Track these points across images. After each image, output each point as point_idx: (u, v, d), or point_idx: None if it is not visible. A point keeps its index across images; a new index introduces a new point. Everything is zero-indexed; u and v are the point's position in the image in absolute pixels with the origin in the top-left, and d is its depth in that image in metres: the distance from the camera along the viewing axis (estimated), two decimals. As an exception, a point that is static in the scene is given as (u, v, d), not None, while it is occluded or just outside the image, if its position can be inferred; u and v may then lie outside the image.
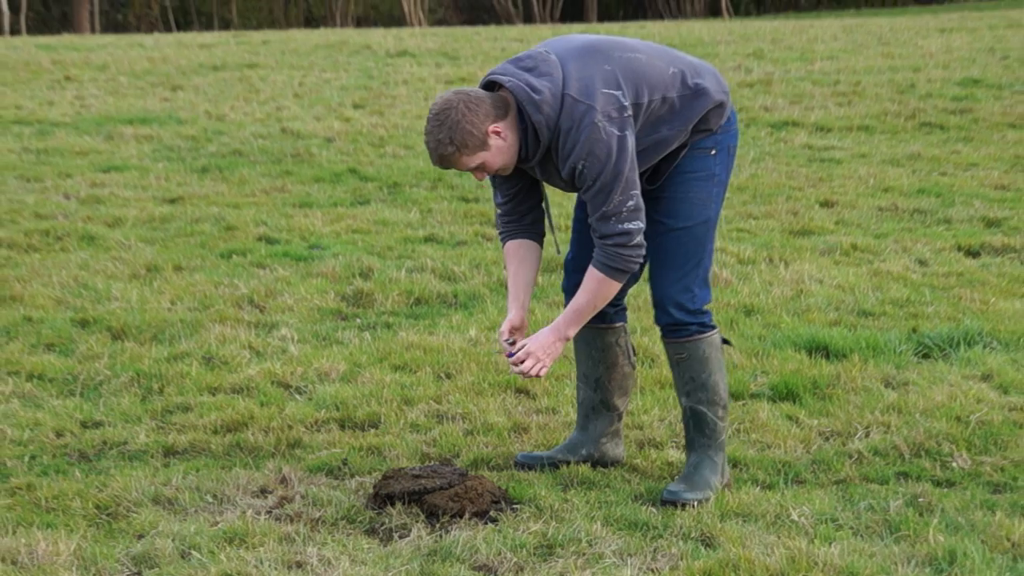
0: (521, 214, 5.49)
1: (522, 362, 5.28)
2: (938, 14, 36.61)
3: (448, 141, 5.04)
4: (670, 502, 5.35)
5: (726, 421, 5.58)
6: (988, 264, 9.09)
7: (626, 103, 5.07)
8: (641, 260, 5.22)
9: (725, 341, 5.64)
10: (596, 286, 5.23)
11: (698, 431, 5.54)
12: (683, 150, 5.34)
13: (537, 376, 5.30)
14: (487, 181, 5.50)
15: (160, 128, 14.92)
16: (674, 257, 5.39)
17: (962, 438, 5.99)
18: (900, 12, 42.70)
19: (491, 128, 5.07)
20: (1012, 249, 9.44)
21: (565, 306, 5.48)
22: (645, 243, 5.18)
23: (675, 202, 5.37)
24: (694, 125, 5.28)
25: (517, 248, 5.50)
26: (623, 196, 5.07)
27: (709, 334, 5.49)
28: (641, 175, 5.25)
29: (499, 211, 5.52)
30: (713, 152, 5.38)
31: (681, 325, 5.45)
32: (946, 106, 15.96)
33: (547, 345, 5.29)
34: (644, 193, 5.26)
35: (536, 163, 5.23)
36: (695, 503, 5.31)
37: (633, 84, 5.12)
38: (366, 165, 12.86)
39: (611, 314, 5.62)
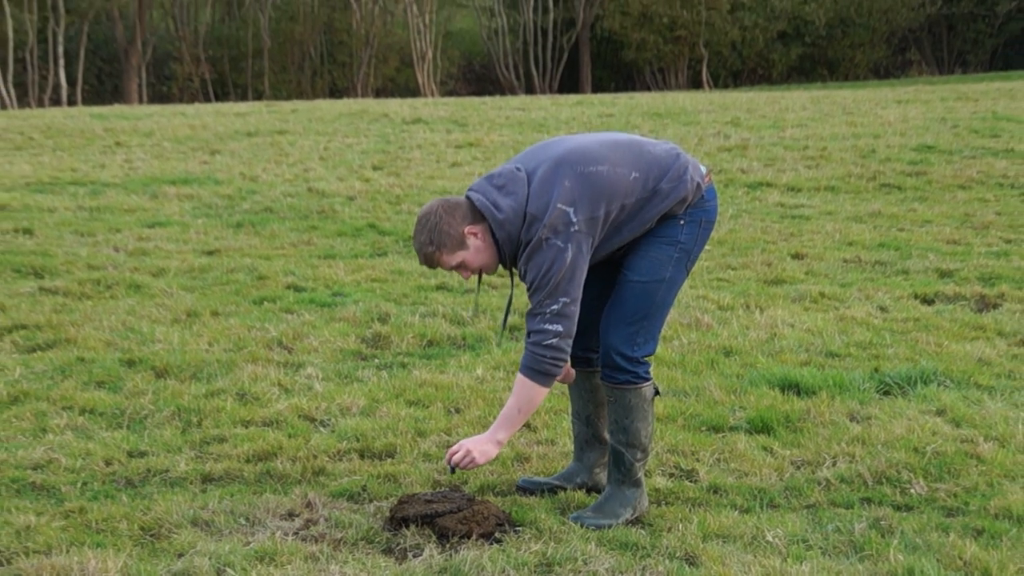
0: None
1: (455, 453, 5.34)
2: (895, 87, 36.70)
3: (428, 241, 5.21)
4: (577, 521, 5.41)
5: (643, 463, 5.56)
6: (942, 311, 9.09)
7: (575, 219, 5.14)
8: (559, 366, 5.22)
9: (657, 392, 5.61)
10: (520, 389, 5.28)
11: (615, 467, 5.56)
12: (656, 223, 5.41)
13: (465, 468, 5.34)
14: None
15: (200, 188, 14.96)
16: (625, 306, 5.41)
17: (919, 467, 5.99)
18: (862, 85, 42.84)
19: (467, 229, 5.23)
20: (963, 297, 9.45)
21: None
22: (564, 350, 5.19)
23: (637, 258, 5.41)
24: (663, 213, 5.35)
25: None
26: (550, 300, 5.14)
27: (640, 385, 5.47)
28: (614, 250, 5.38)
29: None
30: (681, 223, 5.41)
31: (617, 370, 5.45)
32: (903, 169, 16.00)
33: (480, 444, 5.34)
34: (618, 248, 5.37)
35: (508, 265, 5.40)
36: (596, 527, 5.35)
37: (589, 200, 5.18)
38: (384, 221, 12.88)
39: (595, 359, 5.63)
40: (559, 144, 5.39)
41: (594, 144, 5.35)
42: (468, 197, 5.30)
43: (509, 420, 5.32)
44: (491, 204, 5.21)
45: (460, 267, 5.31)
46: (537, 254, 5.14)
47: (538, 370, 5.19)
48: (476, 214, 5.24)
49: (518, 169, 5.31)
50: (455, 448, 5.33)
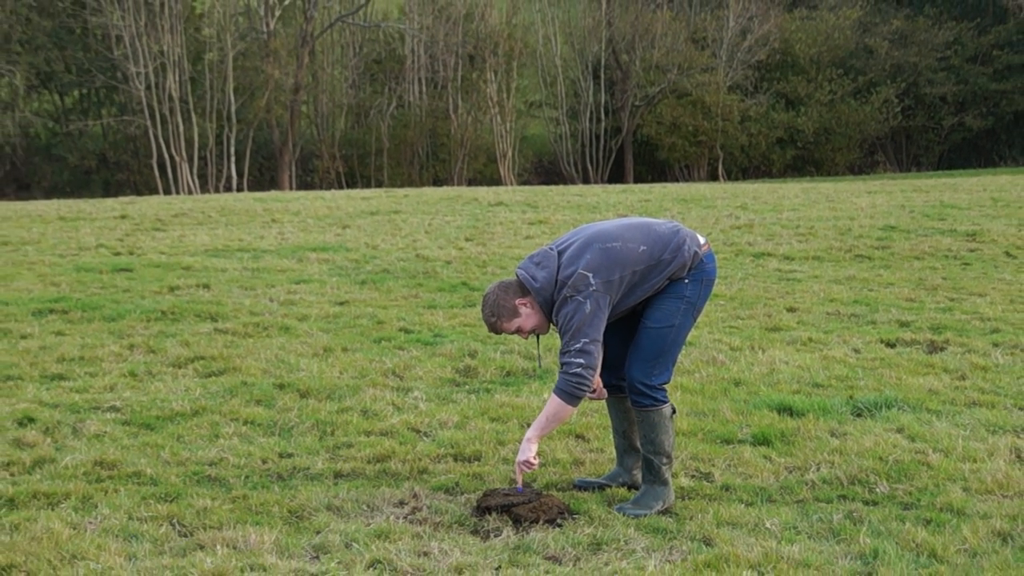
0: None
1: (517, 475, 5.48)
2: (866, 181, 36.49)
3: (491, 314, 5.47)
4: (620, 511, 5.44)
5: (668, 466, 5.58)
6: (901, 352, 9.01)
7: (593, 282, 5.31)
8: (583, 389, 5.31)
9: (673, 411, 5.68)
10: (551, 405, 5.40)
11: (647, 470, 5.60)
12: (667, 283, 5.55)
13: (527, 467, 5.43)
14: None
15: (334, 254, 15.09)
16: (644, 347, 5.52)
17: (883, 472, 5.95)
18: (840, 179, 42.64)
19: (518, 302, 5.46)
20: (917, 342, 9.36)
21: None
22: (588, 378, 5.29)
23: (653, 309, 5.54)
24: (669, 276, 5.49)
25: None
26: (574, 340, 5.29)
27: (660, 407, 5.54)
28: (634, 305, 5.52)
29: None
30: (687, 282, 5.54)
31: (641, 395, 5.52)
32: (872, 244, 15.88)
33: (523, 449, 5.43)
34: (637, 304, 5.51)
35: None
36: (634, 516, 5.37)
37: (606, 268, 5.35)
38: (473, 280, 12.93)
39: (625, 387, 5.66)
40: (586, 229, 5.60)
41: (612, 226, 5.55)
42: (516, 274, 5.51)
43: (540, 426, 5.42)
44: (531, 277, 5.44)
45: (518, 331, 5.51)
46: (564, 307, 5.33)
47: (567, 392, 5.32)
48: (523, 288, 5.46)
49: (551, 249, 5.52)
50: (516, 469, 5.46)
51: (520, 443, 5.47)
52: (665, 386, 5.58)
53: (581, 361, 5.26)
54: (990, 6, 54.52)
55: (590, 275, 5.31)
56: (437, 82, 51.52)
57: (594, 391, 5.65)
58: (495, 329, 5.51)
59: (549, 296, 5.40)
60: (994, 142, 55.38)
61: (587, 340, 5.27)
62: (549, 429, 5.45)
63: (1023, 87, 52.44)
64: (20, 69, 45.46)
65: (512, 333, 5.54)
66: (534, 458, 5.41)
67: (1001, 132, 55.00)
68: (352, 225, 18.97)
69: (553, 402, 5.36)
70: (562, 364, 5.32)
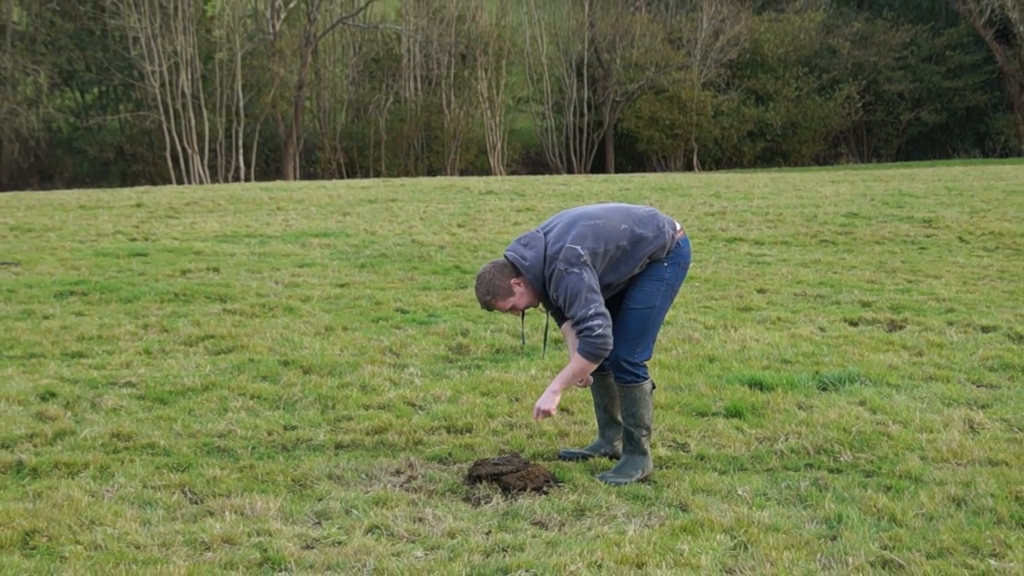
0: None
1: (536, 416, 5.43)
2: (830, 172, 36.50)
3: (486, 293, 5.38)
4: (602, 480, 5.42)
5: (647, 437, 5.56)
6: (863, 331, 9.00)
7: (582, 252, 5.27)
8: (607, 347, 5.27)
9: (653, 386, 5.68)
10: (576, 362, 5.35)
11: (627, 441, 5.57)
12: (647, 266, 5.51)
13: (545, 415, 5.39)
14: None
15: (335, 239, 15.05)
16: (627, 327, 5.48)
17: (847, 442, 5.94)
18: (806, 170, 42.58)
19: (513, 281, 5.38)
20: (878, 321, 9.36)
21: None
22: (608, 335, 5.24)
23: (635, 291, 5.52)
24: (649, 256, 5.45)
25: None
26: (584, 308, 5.23)
27: (641, 383, 5.53)
28: (619, 288, 5.49)
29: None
30: (665, 264, 5.54)
31: (624, 372, 5.51)
32: (836, 229, 15.88)
33: (544, 400, 5.39)
34: (621, 285, 5.47)
35: (545, 301, 5.49)
36: (615, 483, 5.36)
37: (592, 239, 5.33)
38: (465, 263, 12.91)
39: (607, 366, 5.64)
40: (570, 211, 5.57)
41: (594, 208, 5.56)
42: (505, 256, 5.43)
43: (564, 380, 5.39)
44: (520, 257, 5.37)
45: (512, 308, 5.44)
46: (561, 281, 5.26)
47: (592, 352, 5.27)
48: (515, 269, 5.38)
49: (538, 231, 5.49)
50: (534, 412, 5.40)
51: (536, 408, 5.39)
52: (646, 363, 5.57)
53: (600, 322, 5.22)
54: (943, 10, 54.63)
55: (578, 247, 5.28)
56: (431, 79, 51.41)
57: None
58: (489, 307, 5.44)
59: (539, 273, 5.36)
60: (948, 135, 55.53)
61: (596, 303, 5.23)
62: (570, 384, 5.45)
63: (973, 85, 52.65)
64: (44, 68, 45.43)
65: (506, 311, 5.48)
66: (554, 409, 5.41)
67: (954, 126, 55.15)
68: (352, 212, 18.93)
69: (578, 361, 5.32)
70: (582, 331, 5.24)
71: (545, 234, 5.46)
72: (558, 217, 5.58)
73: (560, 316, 5.62)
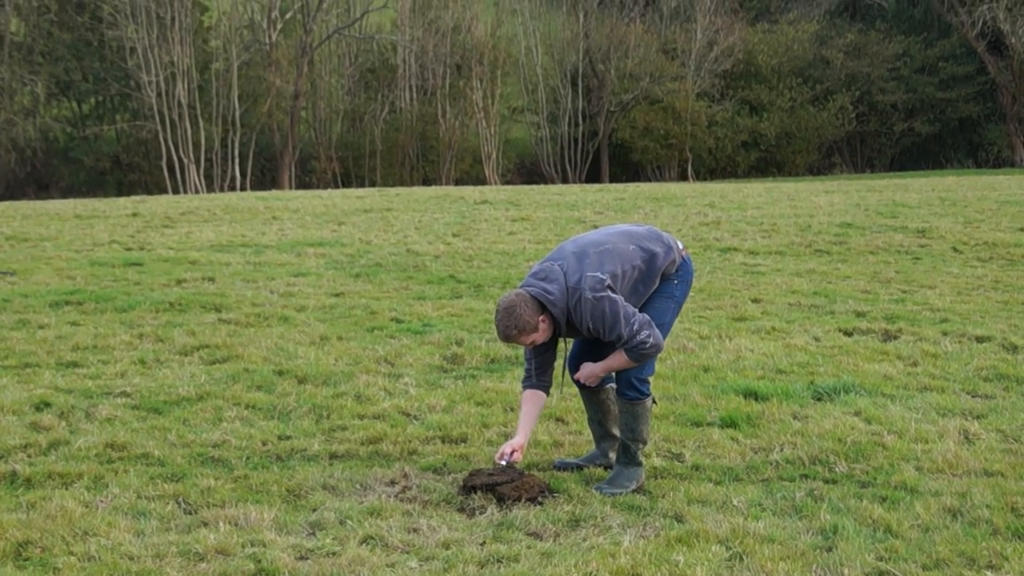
0: (540, 373, 5.59)
1: (583, 375, 5.59)
2: (824, 182, 36.57)
3: (512, 326, 5.26)
4: (597, 490, 5.40)
5: (642, 451, 5.57)
6: (858, 340, 8.99)
7: (604, 278, 5.25)
8: (661, 349, 5.39)
9: (654, 401, 5.71)
10: (620, 358, 5.37)
11: (623, 453, 5.55)
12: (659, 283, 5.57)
13: (589, 384, 5.60)
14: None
15: (330, 249, 15.04)
16: None
17: (842, 452, 5.92)
18: (800, 180, 42.70)
19: (540, 319, 5.30)
20: (873, 331, 9.35)
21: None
22: (660, 340, 5.33)
23: (648, 309, 5.51)
24: (661, 273, 5.50)
25: (532, 395, 5.60)
26: (627, 326, 5.23)
27: (643, 400, 5.53)
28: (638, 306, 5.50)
29: (528, 367, 5.59)
30: (675, 282, 5.60)
31: (632, 389, 5.51)
32: (830, 239, 15.89)
33: (594, 371, 5.53)
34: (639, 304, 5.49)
35: (564, 333, 5.43)
36: (610, 494, 5.34)
37: (609, 263, 5.32)
38: (460, 273, 12.90)
39: (606, 383, 5.71)
40: (574, 242, 5.54)
41: (597, 234, 5.56)
42: (527, 292, 5.33)
43: (610, 368, 5.48)
44: (544, 292, 5.29)
45: (530, 343, 5.39)
46: (594, 309, 5.22)
47: (639, 355, 5.33)
48: (540, 304, 5.30)
49: (550, 263, 5.42)
50: (581, 372, 5.60)
51: (589, 370, 5.55)
52: (651, 379, 5.58)
53: (647, 333, 5.25)
54: (935, 22, 54.80)
55: (598, 273, 5.26)
56: (427, 89, 51.50)
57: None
58: (509, 340, 5.32)
59: (564, 306, 5.29)
60: (941, 146, 55.66)
61: (635, 317, 5.24)
62: (613, 371, 5.50)
63: (966, 96, 52.85)
64: (41, 78, 45.56)
65: (523, 344, 5.41)
66: (594, 380, 5.56)
67: (947, 137, 55.30)
68: (347, 222, 18.92)
69: (620, 357, 5.37)
70: (633, 347, 5.27)
71: (560, 267, 5.38)
72: (560, 250, 5.51)
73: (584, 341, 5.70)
